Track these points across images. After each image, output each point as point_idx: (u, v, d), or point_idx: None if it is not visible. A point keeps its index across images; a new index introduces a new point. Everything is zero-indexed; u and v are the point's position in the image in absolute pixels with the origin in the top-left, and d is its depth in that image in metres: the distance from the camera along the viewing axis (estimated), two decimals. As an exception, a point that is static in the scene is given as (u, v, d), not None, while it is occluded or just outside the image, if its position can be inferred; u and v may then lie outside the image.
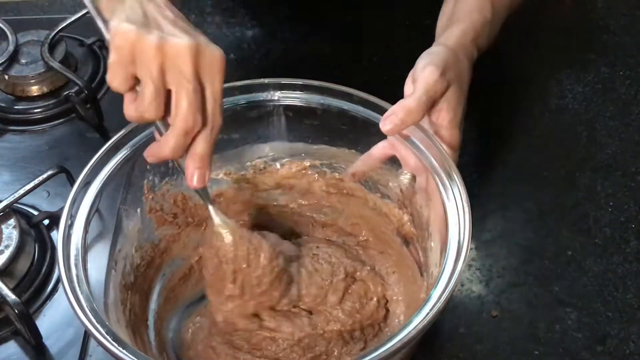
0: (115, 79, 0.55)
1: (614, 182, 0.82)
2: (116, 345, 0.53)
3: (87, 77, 0.93)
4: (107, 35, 0.56)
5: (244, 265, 0.64)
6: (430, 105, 0.65)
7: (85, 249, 0.59)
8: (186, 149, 0.58)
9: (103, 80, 0.94)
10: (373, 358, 0.51)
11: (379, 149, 0.68)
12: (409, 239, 0.69)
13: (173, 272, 0.72)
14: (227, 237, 0.64)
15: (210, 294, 0.66)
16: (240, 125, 0.70)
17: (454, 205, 0.59)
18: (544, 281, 0.74)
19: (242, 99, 0.69)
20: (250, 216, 0.76)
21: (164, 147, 0.57)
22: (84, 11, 0.95)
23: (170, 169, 0.69)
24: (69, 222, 0.60)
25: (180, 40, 0.55)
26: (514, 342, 0.69)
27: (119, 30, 0.54)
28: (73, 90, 0.90)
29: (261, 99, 0.70)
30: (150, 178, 0.68)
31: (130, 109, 0.56)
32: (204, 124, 0.57)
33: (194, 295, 0.72)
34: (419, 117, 0.64)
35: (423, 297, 0.61)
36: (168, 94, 0.56)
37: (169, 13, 0.58)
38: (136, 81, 0.56)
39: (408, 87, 0.68)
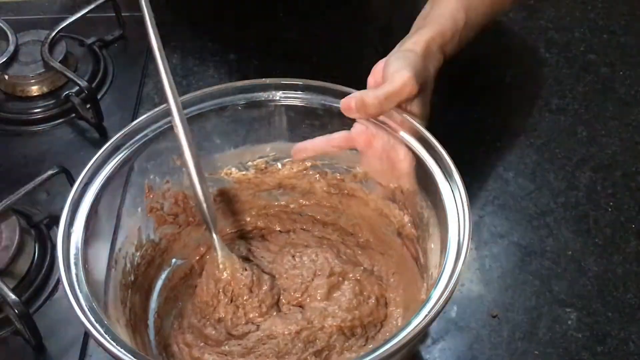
0: None
1: (614, 182, 0.82)
2: (115, 344, 0.52)
3: (87, 77, 0.93)
4: None
5: (246, 295, 0.67)
6: (390, 108, 0.66)
7: (85, 248, 0.59)
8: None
9: (103, 80, 0.95)
10: (373, 358, 0.51)
11: (339, 138, 0.69)
12: (409, 240, 0.69)
13: (174, 271, 0.72)
14: (229, 270, 0.67)
15: (197, 317, 0.67)
16: (241, 125, 0.71)
17: (453, 206, 0.59)
18: (544, 281, 0.74)
19: (243, 98, 0.69)
20: (251, 216, 0.76)
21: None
22: (84, 11, 0.95)
23: (171, 168, 0.69)
24: (69, 221, 0.60)
25: None
26: (514, 342, 0.69)
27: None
28: (73, 90, 0.90)
29: (262, 99, 0.70)
30: (151, 177, 0.68)
31: None
32: None
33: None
34: (371, 113, 0.65)
35: (423, 298, 0.61)
36: None
37: None
38: None
39: (372, 81, 0.69)
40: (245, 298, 0.67)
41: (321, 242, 0.75)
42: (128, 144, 0.65)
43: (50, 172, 0.77)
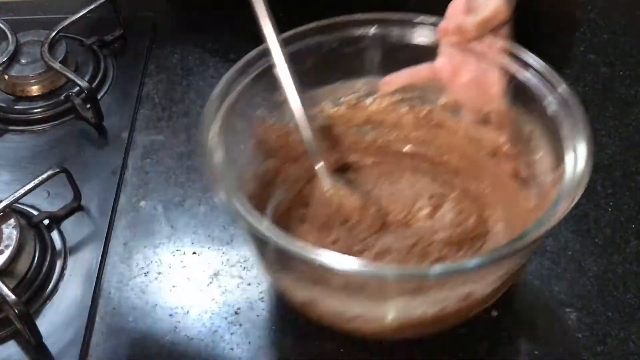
0: None
1: (614, 182, 0.82)
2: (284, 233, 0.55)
3: (87, 77, 0.93)
4: None
5: (356, 217, 0.68)
6: (485, 34, 0.67)
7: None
8: None
9: (103, 80, 0.94)
10: (506, 248, 0.54)
11: (423, 70, 0.71)
12: (506, 158, 0.70)
13: (279, 203, 0.73)
14: (337, 195, 0.68)
15: (311, 242, 0.68)
16: (334, 62, 0.71)
17: (563, 109, 0.61)
18: (544, 281, 0.74)
19: (337, 35, 0.71)
20: (343, 151, 0.77)
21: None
22: (84, 11, 0.95)
23: (276, 102, 0.69)
24: (209, 130, 0.62)
25: None
26: (514, 342, 0.70)
27: None
28: (73, 90, 0.90)
29: (356, 34, 0.71)
30: (261, 110, 0.70)
31: None
32: None
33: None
34: (469, 37, 0.66)
35: (533, 204, 0.63)
36: None
37: None
38: None
39: (455, 9, 0.69)
40: (355, 220, 0.68)
41: (414, 172, 0.75)
42: (253, 67, 0.68)
43: (50, 172, 0.77)
